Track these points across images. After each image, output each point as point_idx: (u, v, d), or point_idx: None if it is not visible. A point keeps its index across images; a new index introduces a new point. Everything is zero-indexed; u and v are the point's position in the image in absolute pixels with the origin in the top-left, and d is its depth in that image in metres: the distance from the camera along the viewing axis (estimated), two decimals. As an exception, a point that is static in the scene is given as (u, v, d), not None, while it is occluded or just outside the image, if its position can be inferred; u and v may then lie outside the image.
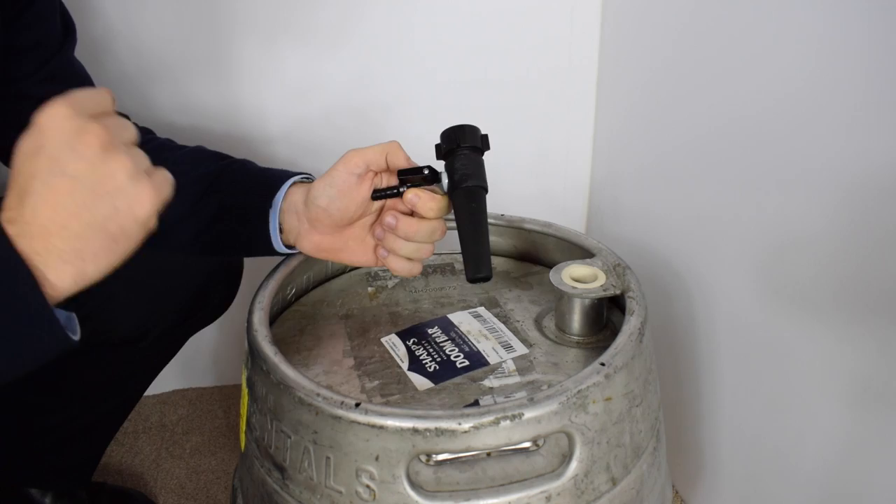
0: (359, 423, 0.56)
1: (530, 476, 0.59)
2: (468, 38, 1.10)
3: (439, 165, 0.68)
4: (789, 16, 0.72)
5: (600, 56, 1.13)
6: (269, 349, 0.63)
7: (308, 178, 0.73)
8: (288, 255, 0.76)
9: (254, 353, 0.65)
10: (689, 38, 0.89)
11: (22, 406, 0.89)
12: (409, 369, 0.69)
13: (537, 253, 0.85)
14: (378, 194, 0.68)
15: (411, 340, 0.73)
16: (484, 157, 0.69)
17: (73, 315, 0.48)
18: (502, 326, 0.75)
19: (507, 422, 0.56)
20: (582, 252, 0.78)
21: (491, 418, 0.55)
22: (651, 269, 1.00)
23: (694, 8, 0.88)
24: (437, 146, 0.69)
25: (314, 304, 0.80)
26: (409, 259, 0.70)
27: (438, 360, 0.70)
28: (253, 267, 0.90)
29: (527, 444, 0.61)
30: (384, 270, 0.84)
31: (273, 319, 0.75)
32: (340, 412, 0.57)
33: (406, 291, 0.82)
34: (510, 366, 0.69)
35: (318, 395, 0.58)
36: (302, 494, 0.61)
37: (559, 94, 1.16)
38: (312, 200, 0.67)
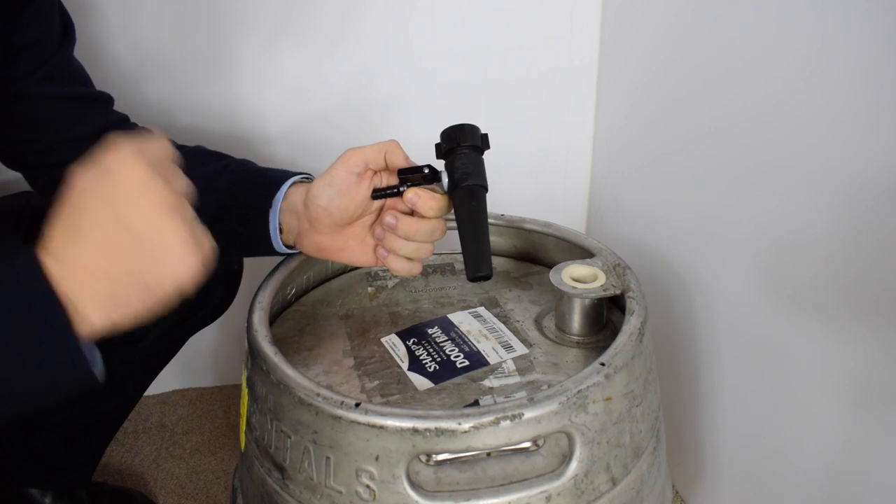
0: (359, 423, 0.56)
1: (530, 476, 0.59)
2: (468, 38, 1.10)
3: (439, 165, 0.68)
4: (789, 16, 0.72)
5: (600, 56, 1.13)
6: (269, 349, 0.63)
7: (308, 178, 0.73)
8: (288, 255, 0.76)
9: (254, 353, 0.65)
10: (689, 38, 0.89)
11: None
12: (409, 369, 0.69)
13: (537, 253, 0.85)
14: (378, 193, 0.68)
15: (411, 340, 0.73)
16: (484, 157, 0.69)
17: (97, 352, 0.48)
18: (502, 326, 0.75)
19: (507, 422, 0.56)
20: (582, 252, 0.78)
21: (491, 418, 0.55)
22: (651, 269, 1.00)
23: (694, 8, 0.88)
24: (437, 145, 0.69)
25: (314, 304, 0.80)
26: (409, 259, 0.70)
27: (438, 360, 0.70)
28: (253, 267, 0.90)
29: (527, 444, 0.61)
30: (384, 270, 0.84)
31: (273, 319, 0.75)
32: (340, 412, 0.57)
33: (406, 291, 0.82)
34: (510, 366, 0.69)
35: (318, 395, 0.58)
36: (302, 494, 0.61)
37: (559, 94, 1.16)
38: (312, 200, 0.67)
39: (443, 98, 1.13)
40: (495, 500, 0.58)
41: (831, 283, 0.72)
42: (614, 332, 0.68)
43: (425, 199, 0.66)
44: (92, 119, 0.77)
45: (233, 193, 0.73)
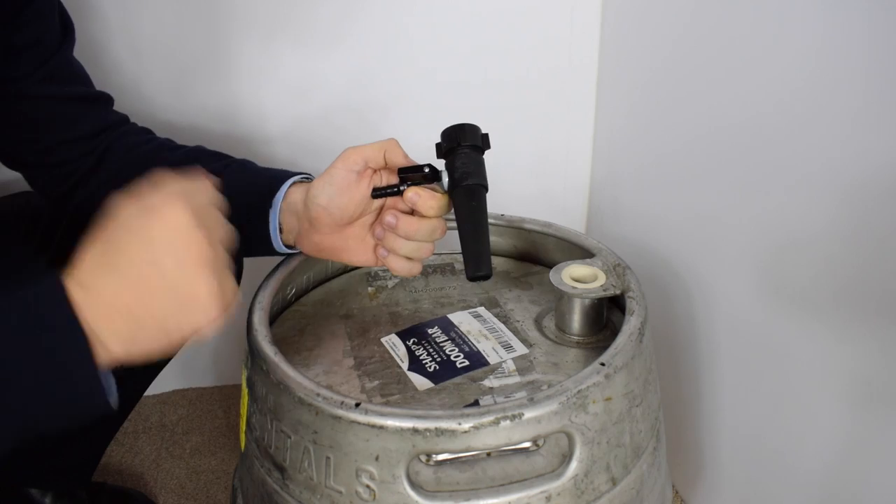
0: (359, 423, 0.56)
1: (530, 476, 0.59)
2: (468, 38, 1.10)
3: (439, 164, 0.68)
4: (789, 16, 0.72)
5: (600, 56, 1.13)
6: (269, 349, 0.63)
7: (307, 178, 0.73)
8: (288, 255, 0.76)
9: (254, 353, 0.65)
10: (689, 38, 0.89)
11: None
12: (409, 369, 0.69)
13: (537, 253, 0.85)
14: (378, 192, 0.68)
15: (411, 340, 0.73)
16: (484, 157, 0.69)
17: (112, 379, 0.48)
18: (502, 326, 0.75)
19: (507, 422, 0.56)
20: (582, 252, 0.78)
21: (491, 418, 0.55)
22: (651, 269, 1.00)
23: (694, 8, 0.88)
24: (438, 145, 0.69)
25: (314, 304, 0.80)
26: (409, 259, 0.70)
27: (438, 360, 0.70)
28: (253, 267, 0.90)
29: (527, 444, 0.61)
30: (384, 270, 0.84)
31: (273, 319, 0.75)
32: (340, 412, 0.57)
33: (406, 291, 0.82)
34: (510, 366, 0.69)
35: (318, 395, 0.58)
36: (302, 494, 0.61)
37: (559, 94, 1.16)
38: (312, 199, 0.67)
39: (443, 98, 1.13)
40: (495, 500, 0.58)
41: (831, 283, 0.72)
42: (614, 332, 0.68)
43: (426, 199, 0.66)
44: (92, 119, 0.77)
45: (232, 194, 0.73)
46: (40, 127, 0.74)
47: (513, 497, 0.58)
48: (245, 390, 0.68)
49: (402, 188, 0.67)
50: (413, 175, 0.67)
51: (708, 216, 0.90)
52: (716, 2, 0.83)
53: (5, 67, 0.71)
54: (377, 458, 0.56)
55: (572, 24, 1.11)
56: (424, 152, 0.69)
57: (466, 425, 0.55)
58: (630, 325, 0.65)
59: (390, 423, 0.56)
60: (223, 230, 0.50)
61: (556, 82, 1.15)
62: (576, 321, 0.72)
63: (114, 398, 0.48)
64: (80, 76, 0.78)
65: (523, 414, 0.56)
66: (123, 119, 0.81)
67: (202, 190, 0.49)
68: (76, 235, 0.78)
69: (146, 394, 1.00)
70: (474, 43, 1.11)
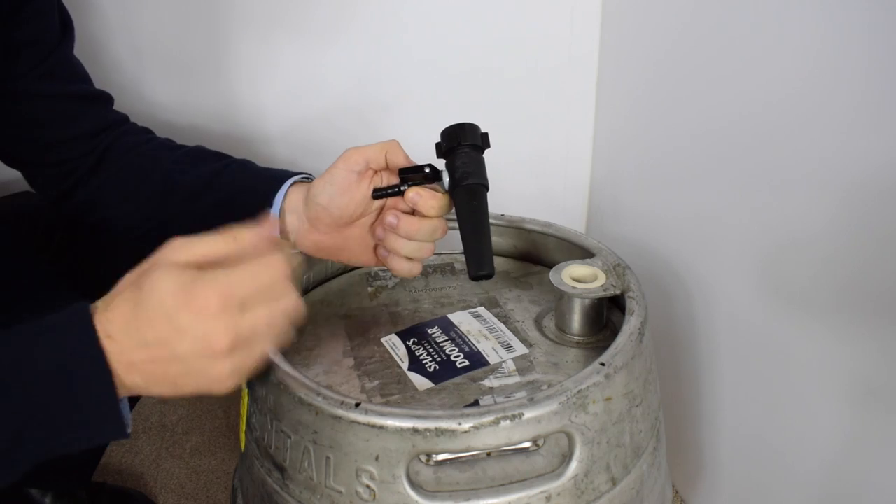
0: (359, 423, 0.56)
1: (530, 476, 0.59)
2: (468, 38, 1.10)
3: (439, 164, 0.68)
4: (790, 15, 0.72)
5: (600, 55, 1.13)
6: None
7: (308, 178, 0.73)
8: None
9: (254, 353, 0.65)
10: (689, 37, 0.89)
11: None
12: (409, 369, 0.69)
13: (537, 253, 0.85)
14: (379, 193, 0.68)
15: (411, 340, 0.73)
16: (484, 156, 0.69)
17: (128, 409, 0.50)
18: (502, 326, 0.74)
19: (507, 422, 0.56)
20: (582, 252, 0.78)
21: (491, 418, 0.55)
22: (651, 269, 1.00)
23: (694, 7, 0.88)
24: (438, 144, 0.69)
25: (314, 304, 0.80)
26: (410, 259, 0.70)
27: (438, 360, 0.70)
28: (253, 267, 0.90)
29: (527, 444, 0.61)
30: (384, 270, 0.84)
31: (273, 319, 0.75)
32: (340, 412, 0.57)
33: (406, 291, 0.82)
34: (510, 366, 0.69)
35: (318, 395, 0.58)
36: (302, 494, 0.61)
37: (559, 93, 1.16)
38: (313, 198, 0.67)
39: (442, 98, 1.13)
40: (495, 500, 0.58)
41: (831, 283, 0.72)
42: (614, 332, 0.68)
43: (427, 198, 0.66)
44: (92, 117, 0.77)
45: (233, 193, 0.73)
46: (40, 125, 0.74)
47: (513, 497, 0.58)
48: (245, 390, 0.68)
49: (402, 188, 0.67)
50: (414, 176, 0.67)
51: (708, 216, 0.90)
52: (716, 1, 0.83)
53: (4, 65, 0.71)
54: (377, 458, 0.56)
55: (572, 24, 1.11)
56: (424, 151, 0.69)
57: (466, 425, 0.55)
58: (630, 325, 0.65)
59: (390, 423, 0.56)
60: (283, 305, 0.51)
61: (555, 81, 1.15)
62: (576, 321, 0.72)
63: (129, 426, 0.50)
64: (79, 74, 0.78)
65: (523, 414, 0.56)
66: (123, 118, 0.81)
67: (271, 264, 0.50)
68: (76, 236, 0.78)
69: (146, 394, 1.00)
70: (474, 42, 1.11)
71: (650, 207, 1.03)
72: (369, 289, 0.83)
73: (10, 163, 0.78)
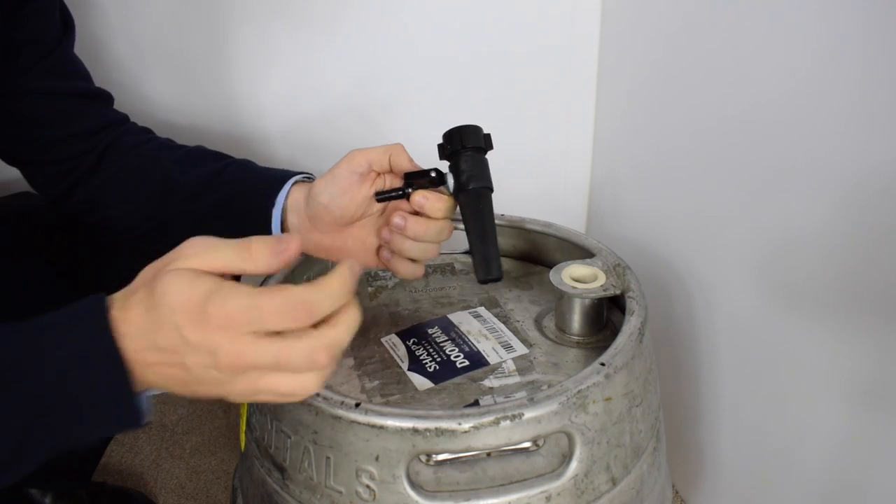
0: (359, 423, 0.56)
1: (530, 476, 0.59)
2: (468, 38, 1.10)
3: (442, 166, 0.68)
4: (789, 14, 0.72)
5: (600, 55, 1.13)
6: (269, 349, 0.63)
7: (309, 178, 0.73)
8: (288, 255, 0.76)
9: (254, 353, 0.65)
10: (689, 37, 0.89)
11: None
12: (409, 369, 0.69)
13: (537, 253, 0.85)
14: (382, 196, 0.67)
15: (411, 340, 0.73)
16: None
17: (149, 398, 0.50)
18: (502, 326, 0.74)
19: (507, 422, 0.56)
20: (582, 252, 0.78)
21: (491, 418, 0.55)
22: (651, 269, 1.00)
23: (694, 6, 0.88)
24: (440, 146, 0.69)
25: (314, 304, 0.80)
26: (414, 261, 0.70)
27: (438, 360, 0.70)
28: (253, 267, 0.90)
29: (527, 444, 0.61)
30: (384, 270, 0.84)
31: (273, 319, 0.75)
32: (340, 412, 0.57)
33: (406, 291, 0.82)
34: (510, 366, 0.69)
35: (318, 394, 0.58)
36: (302, 494, 0.61)
37: (559, 92, 1.16)
38: (314, 198, 0.67)
39: (442, 98, 1.13)
40: (495, 500, 0.58)
41: (831, 283, 0.72)
42: (614, 332, 0.68)
43: (433, 201, 0.66)
44: (92, 116, 0.77)
45: (234, 193, 0.73)
46: (40, 123, 0.74)
47: (513, 497, 0.58)
48: (245, 390, 0.68)
49: (407, 192, 0.67)
50: (420, 180, 0.67)
51: (708, 216, 0.90)
52: (716, 1, 0.83)
53: (5, 63, 0.71)
54: (377, 458, 0.56)
55: (572, 23, 1.11)
56: (424, 152, 0.69)
57: (466, 425, 0.55)
58: (630, 325, 0.65)
59: (390, 423, 0.56)
60: (325, 340, 0.46)
61: (555, 81, 1.15)
62: (576, 321, 0.72)
63: (147, 416, 0.50)
64: (80, 73, 0.78)
65: (523, 414, 0.56)
66: (123, 118, 0.81)
67: (276, 309, 0.45)
68: (76, 236, 0.78)
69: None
70: (474, 42, 1.11)
71: (650, 207, 1.03)
72: (369, 289, 0.83)
73: (10, 161, 0.78)
